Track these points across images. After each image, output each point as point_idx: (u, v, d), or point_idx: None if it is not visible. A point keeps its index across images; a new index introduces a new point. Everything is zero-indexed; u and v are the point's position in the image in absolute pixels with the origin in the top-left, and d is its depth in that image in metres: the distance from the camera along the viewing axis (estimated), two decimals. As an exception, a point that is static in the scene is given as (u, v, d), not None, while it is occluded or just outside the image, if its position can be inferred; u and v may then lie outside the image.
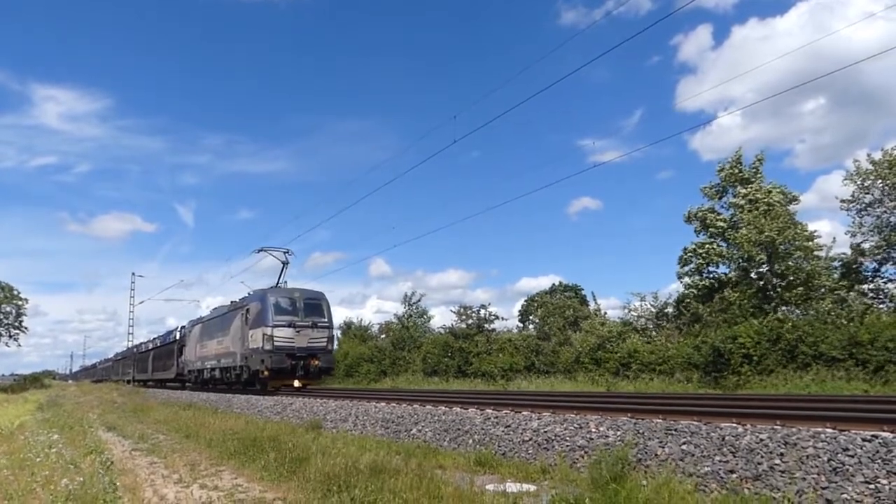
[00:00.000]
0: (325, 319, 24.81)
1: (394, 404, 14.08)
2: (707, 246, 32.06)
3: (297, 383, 23.42)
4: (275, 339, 23.05)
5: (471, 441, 9.94)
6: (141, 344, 58.38)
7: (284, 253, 28.52)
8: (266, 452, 9.35)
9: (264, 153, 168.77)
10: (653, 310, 34.13)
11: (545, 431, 9.00)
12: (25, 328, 62.64)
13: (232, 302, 30.15)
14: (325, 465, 7.68)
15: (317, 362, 23.68)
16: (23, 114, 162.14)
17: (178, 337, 41.63)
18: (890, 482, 5.25)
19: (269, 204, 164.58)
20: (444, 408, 12.24)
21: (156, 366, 49.41)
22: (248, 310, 25.55)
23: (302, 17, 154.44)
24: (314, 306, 24.81)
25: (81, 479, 7.33)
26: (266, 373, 22.85)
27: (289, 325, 23.47)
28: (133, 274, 59.70)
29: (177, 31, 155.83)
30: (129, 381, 56.94)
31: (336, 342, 27.45)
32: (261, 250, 28.40)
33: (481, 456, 8.62)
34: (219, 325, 30.11)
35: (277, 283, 27.39)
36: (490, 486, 6.76)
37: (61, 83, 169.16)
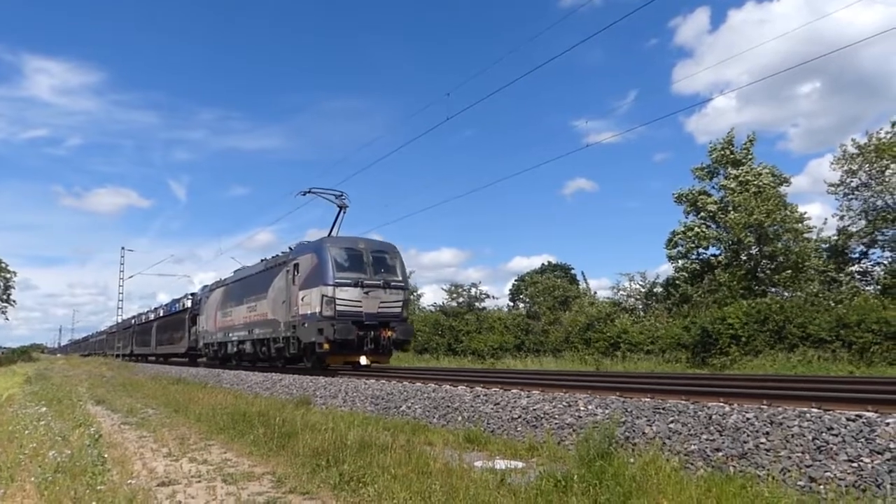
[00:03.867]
0: (400, 278, 19.77)
1: (383, 381, 14.12)
2: (696, 229, 32.16)
3: (364, 360, 18.75)
4: (337, 301, 18.04)
5: (460, 418, 9.99)
6: (141, 314, 54.47)
7: (338, 196, 22.54)
8: (255, 427, 9.37)
9: (258, 130, 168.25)
10: (642, 290, 34.38)
11: (534, 409, 9.05)
12: (14, 301, 62.37)
13: (263, 261, 24.84)
14: (315, 441, 7.72)
15: (390, 333, 18.68)
16: (14, 85, 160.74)
17: (187, 305, 37.26)
18: (873, 461, 5.31)
19: (262, 180, 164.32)
20: (433, 385, 12.28)
21: (160, 339, 44.07)
22: (296, 265, 20.25)
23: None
24: (385, 261, 19.79)
25: (70, 451, 7.32)
26: (326, 346, 17.91)
27: (355, 285, 18.40)
28: (123, 248, 59.36)
29: (173, 6, 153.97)
30: (122, 356, 55.78)
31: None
32: (308, 192, 22.49)
33: (470, 433, 8.67)
34: (251, 286, 24.71)
35: (330, 234, 21.99)
36: (479, 463, 6.80)
37: (54, 55, 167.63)
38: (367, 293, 18.50)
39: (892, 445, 5.35)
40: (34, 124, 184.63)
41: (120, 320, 60.95)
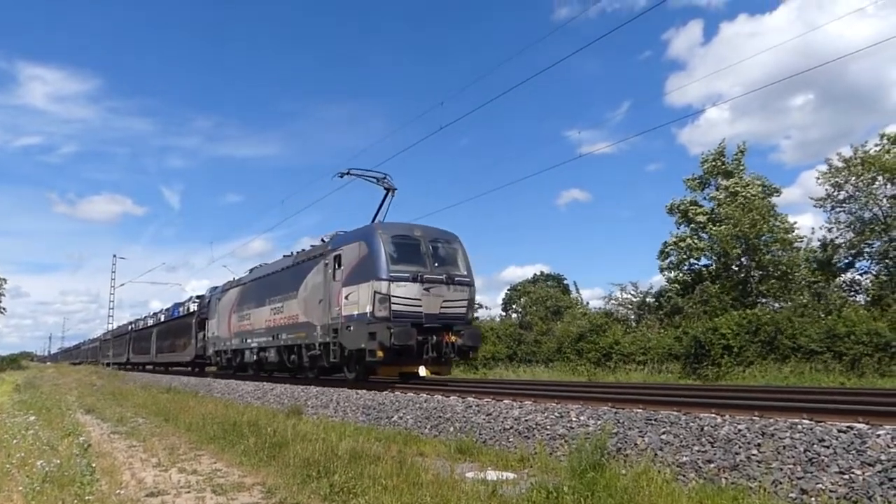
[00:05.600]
0: (465, 273, 16.62)
1: (375, 391, 14.07)
2: (687, 240, 32.32)
3: (423, 371, 15.68)
4: (393, 299, 15.09)
5: (452, 429, 9.96)
6: (139, 319, 51.20)
7: (380, 179, 19.16)
8: (246, 437, 9.33)
9: (253, 137, 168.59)
10: (634, 300, 34.49)
11: (526, 420, 9.03)
12: (3, 309, 61.84)
13: (286, 256, 22.09)
14: (305, 451, 7.67)
15: (454, 339, 15.64)
16: (8, 93, 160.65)
17: (192, 309, 33.77)
18: (864, 472, 5.32)
19: (257, 188, 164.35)
20: (425, 395, 12.26)
21: (162, 346, 40.33)
22: (337, 258, 17.14)
23: (293, 2, 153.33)
24: (447, 252, 16.78)
25: (58, 461, 7.26)
26: (380, 353, 14.80)
27: (413, 280, 15.42)
28: (114, 256, 58.87)
29: (169, 14, 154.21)
30: (118, 365, 54.71)
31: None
32: (347, 174, 19.04)
33: (462, 444, 8.64)
34: (275, 285, 21.58)
35: (374, 221, 18.53)
36: (470, 474, 6.78)
37: (49, 63, 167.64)
38: (427, 290, 15.55)
39: (883, 457, 5.36)
40: (28, 132, 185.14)
41: (110, 328, 60.23)
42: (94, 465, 7.53)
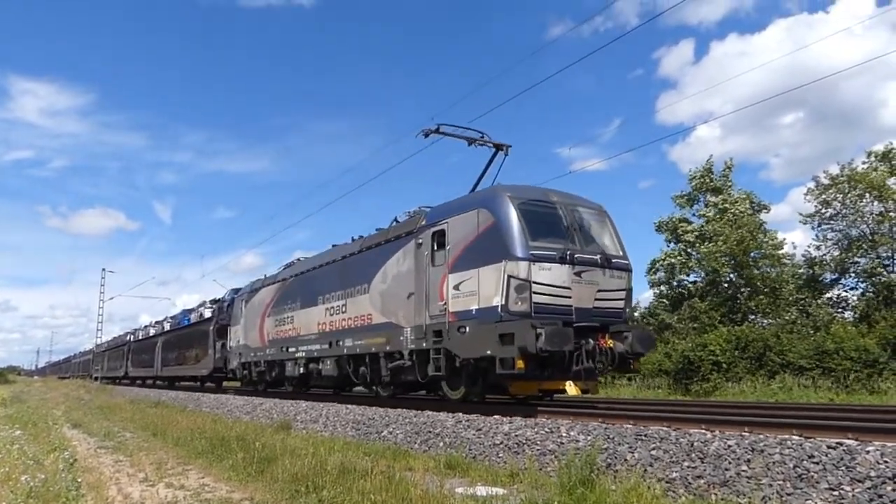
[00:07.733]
0: (621, 254, 12.12)
1: (365, 406, 14.00)
2: (675, 257, 32.47)
3: (572, 389, 11.29)
4: (534, 287, 10.54)
5: (441, 444, 9.92)
6: (138, 329, 46.37)
7: (473, 140, 15.05)
8: (234, 452, 9.25)
9: (244, 152, 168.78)
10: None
11: (516, 435, 9.00)
12: (-9, 322, 61.19)
13: (335, 246, 18.02)
14: (294, 466, 7.62)
15: (611, 343, 10.95)
16: (0, 106, 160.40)
17: (206, 315, 29.17)
18: (853, 489, 5.33)
19: (248, 203, 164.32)
20: (415, 410, 12.19)
21: (168, 358, 35.24)
22: (437, 234, 12.61)
23: (284, 20, 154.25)
24: (595, 225, 12.33)
25: (43, 476, 7.18)
26: (520, 364, 10.18)
27: (561, 261, 10.83)
28: (103, 270, 58.40)
29: (162, 29, 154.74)
30: (100, 379, 54.07)
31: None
32: (436, 131, 14.84)
33: (451, 459, 8.60)
34: (333, 277, 16.80)
35: (476, 188, 14.49)
36: (459, 490, 6.75)
37: (42, 77, 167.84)
38: (578, 275, 11.03)
39: (872, 474, 5.37)
40: (19, 145, 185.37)
41: (99, 341, 59.57)
42: (79, 480, 7.46)
